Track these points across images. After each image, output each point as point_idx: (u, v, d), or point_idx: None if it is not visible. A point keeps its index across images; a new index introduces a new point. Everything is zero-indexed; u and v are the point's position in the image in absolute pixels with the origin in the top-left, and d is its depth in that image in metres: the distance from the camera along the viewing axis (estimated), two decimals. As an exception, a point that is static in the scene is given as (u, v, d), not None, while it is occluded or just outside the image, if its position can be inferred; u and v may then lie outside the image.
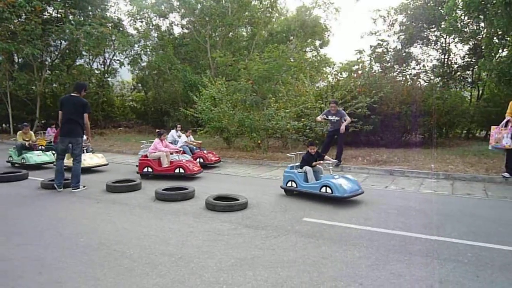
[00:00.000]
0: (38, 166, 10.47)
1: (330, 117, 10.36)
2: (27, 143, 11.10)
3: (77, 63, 23.58)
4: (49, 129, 14.74)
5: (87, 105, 7.68)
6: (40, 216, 5.70)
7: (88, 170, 9.78)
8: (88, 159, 10.03)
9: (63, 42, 21.29)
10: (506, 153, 8.34)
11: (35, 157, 10.60)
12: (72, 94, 7.66)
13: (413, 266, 3.84)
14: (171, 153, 9.39)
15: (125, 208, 6.21)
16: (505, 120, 8.17)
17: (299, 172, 7.06)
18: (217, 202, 6.05)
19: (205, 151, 11.06)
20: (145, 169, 9.00)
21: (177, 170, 8.81)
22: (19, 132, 11.47)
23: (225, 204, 5.99)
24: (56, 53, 22.00)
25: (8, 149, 11.58)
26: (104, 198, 6.90)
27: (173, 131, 12.39)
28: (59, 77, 20.39)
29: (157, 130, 10.03)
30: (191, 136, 11.73)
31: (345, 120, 10.15)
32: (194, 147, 11.21)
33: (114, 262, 3.95)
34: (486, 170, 9.08)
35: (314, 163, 6.97)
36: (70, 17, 20.14)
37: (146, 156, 9.20)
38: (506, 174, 8.27)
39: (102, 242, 4.54)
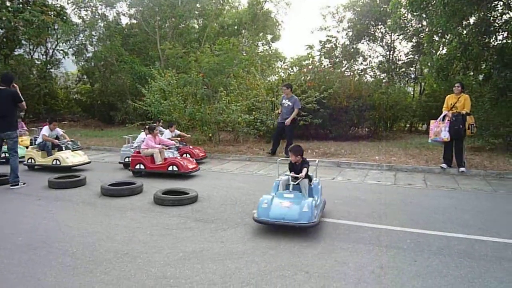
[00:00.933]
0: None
1: (284, 101, 10.40)
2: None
3: (16, 53, 22.15)
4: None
5: (17, 94, 7.16)
6: (-27, 215, 5.33)
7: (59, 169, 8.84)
8: (71, 157, 9.11)
9: (0, 30, 19.89)
10: (444, 145, 8.85)
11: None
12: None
13: (357, 254, 4.00)
14: (166, 149, 8.75)
15: (68, 204, 5.95)
16: (442, 115, 8.66)
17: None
18: (165, 196, 5.95)
19: (190, 146, 10.60)
20: (137, 166, 8.38)
21: (170, 168, 8.15)
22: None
23: (174, 198, 5.90)
24: (-8, 41, 20.54)
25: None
26: (46, 195, 6.56)
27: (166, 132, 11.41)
28: (-6, 67, 19.08)
29: (146, 126, 9.49)
30: (176, 131, 10.80)
31: (293, 110, 10.17)
32: (178, 142, 10.22)
33: (55, 261, 3.79)
34: (426, 161, 9.61)
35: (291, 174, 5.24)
36: (8, 3, 18.82)
37: (138, 152, 8.58)
38: (444, 165, 8.79)
39: (43, 241, 4.33)
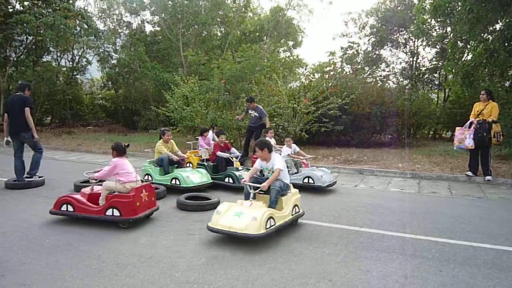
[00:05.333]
0: (198, 189, 7.14)
1: (250, 111, 10.80)
2: (174, 158, 7.66)
3: (44, 60, 22.81)
4: (200, 138, 9.40)
5: (28, 100, 7.54)
6: (4, 217, 5.51)
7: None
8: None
9: (28, 37, 20.53)
10: (470, 153, 8.66)
11: (192, 176, 7.32)
12: (16, 93, 7.69)
13: (380, 262, 3.95)
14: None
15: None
16: (468, 122, 8.49)
17: None
18: (188, 201, 6.01)
19: None
20: None
21: None
22: (160, 142, 7.82)
23: (196, 203, 5.96)
24: (21, 48, 21.20)
25: (143, 164, 7.95)
26: (72, 198, 6.71)
27: (209, 133, 9.93)
28: (24, 74, 19.68)
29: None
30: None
31: (263, 120, 10.56)
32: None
33: (82, 263, 3.88)
34: (451, 169, 9.42)
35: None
36: (35, 9, 19.41)
37: None
38: (469, 173, 8.59)
39: (69, 243, 4.44)
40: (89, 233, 4.80)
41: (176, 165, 7.78)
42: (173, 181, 7.26)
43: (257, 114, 10.66)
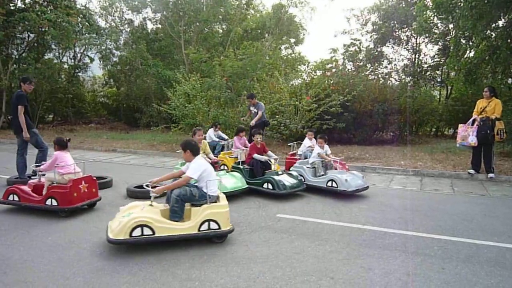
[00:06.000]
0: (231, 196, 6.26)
1: (251, 108, 10.73)
2: (207, 160, 6.47)
3: (46, 57, 22.81)
4: (235, 138, 8.95)
5: (20, 97, 7.13)
6: (5, 215, 5.52)
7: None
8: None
9: (30, 34, 20.54)
10: (472, 150, 8.62)
11: (225, 181, 6.45)
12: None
13: (383, 260, 3.94)
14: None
15: (95, 205, 6.08)
16: (471, 119, 8.45)
17: None
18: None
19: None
20: None
21: None
22: None
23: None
24: (23, 46, 21.21)
25: (175, 166, 7.51)
26: (74, 196, 6.72)
27: (210, 131, 10.29)
28: (26, 71, 19.69)
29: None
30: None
31: (257, 114, 10.37)
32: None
33: (83, 261, 3.88)
34: (453, 166, 9.40)
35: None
36: (37, 7, 19.43)
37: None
38: (472, 171, 8.56)
39: (71, 241, 4.44)
40: (91, 231, 4.80)
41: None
42: None
43: (256, 111, 10.58)
